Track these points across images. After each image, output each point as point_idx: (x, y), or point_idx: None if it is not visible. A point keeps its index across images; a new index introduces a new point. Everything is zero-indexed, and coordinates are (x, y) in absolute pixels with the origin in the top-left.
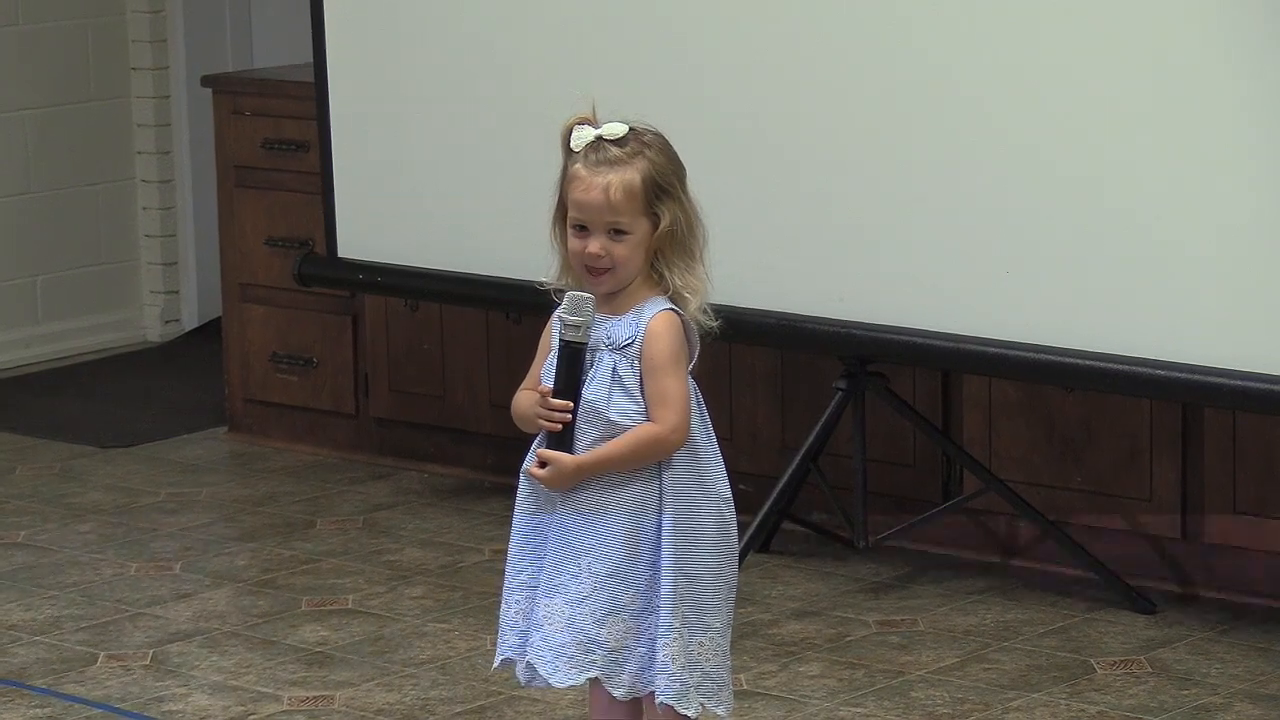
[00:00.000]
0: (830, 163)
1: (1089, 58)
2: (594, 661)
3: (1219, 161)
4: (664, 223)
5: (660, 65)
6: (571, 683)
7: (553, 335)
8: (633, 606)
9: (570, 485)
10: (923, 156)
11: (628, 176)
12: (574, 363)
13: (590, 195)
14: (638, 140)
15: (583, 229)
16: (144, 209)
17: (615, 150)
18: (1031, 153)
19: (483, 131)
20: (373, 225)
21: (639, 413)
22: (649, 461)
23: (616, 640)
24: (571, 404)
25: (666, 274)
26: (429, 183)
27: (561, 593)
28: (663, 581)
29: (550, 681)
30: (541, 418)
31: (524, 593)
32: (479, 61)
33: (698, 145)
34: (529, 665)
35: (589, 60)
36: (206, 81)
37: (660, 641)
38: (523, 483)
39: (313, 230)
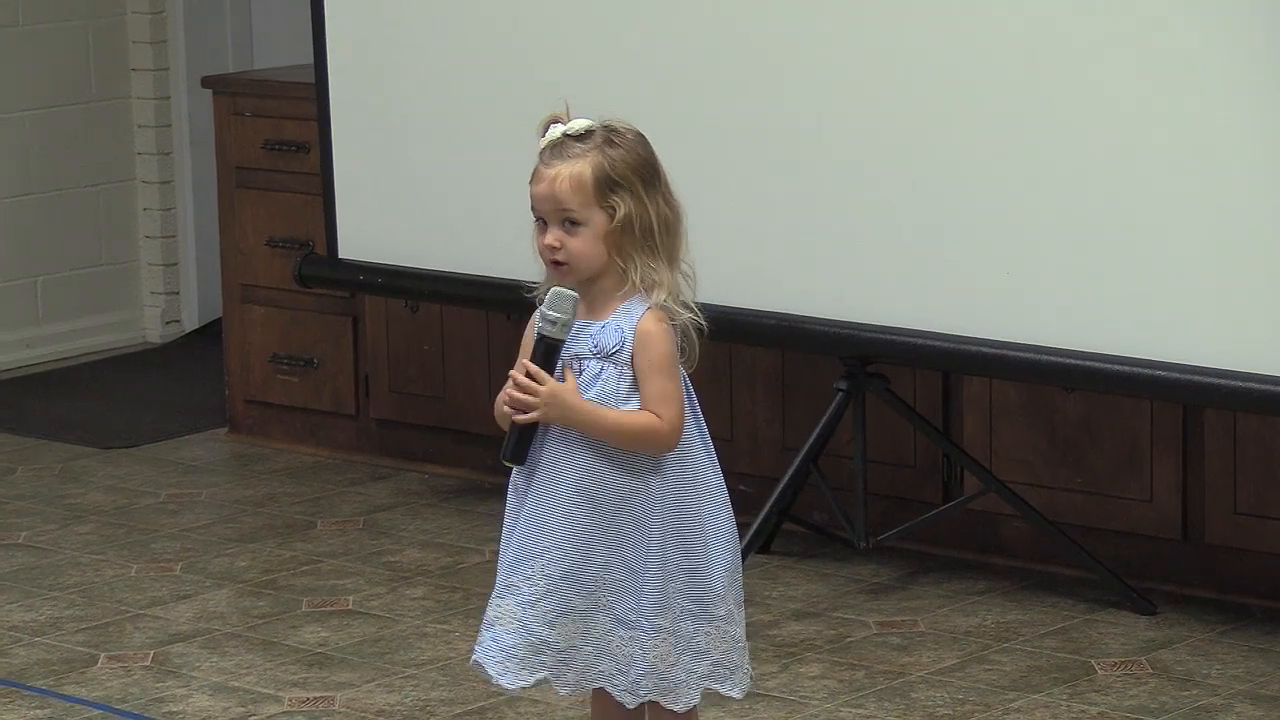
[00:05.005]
0: (831, 163)
1: (1089, 59)
2: (543, 662)
3: (1219, 162)
4: (618, 215)
5: (660, 65)
6: (521, 684)
7: (537, 331)
8: (582, 606)
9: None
10: (923, 157)
11: (577, 169)
12: (550, 357)
13: (539, 187)
14: (601, 136)
15: (543, 222)
16: (144, 210)
17: (576, 146)
18: (1032, 153)
19: (483, 132)
20: (373, 226)
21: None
22: (635, 448)
23: (566, 641)
24: (543, 385)
25: (625, 267)
26: (429, 184)
27: (514, 594)
28: (646, 585)
29: (500, 682)
30: (514, 403)
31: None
32: (479, 62)
33: (697, 146)
34: (477, 663)
35: (589, 60)
36: (207, 82)
37: (649, 642)
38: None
39: (313, 231)
